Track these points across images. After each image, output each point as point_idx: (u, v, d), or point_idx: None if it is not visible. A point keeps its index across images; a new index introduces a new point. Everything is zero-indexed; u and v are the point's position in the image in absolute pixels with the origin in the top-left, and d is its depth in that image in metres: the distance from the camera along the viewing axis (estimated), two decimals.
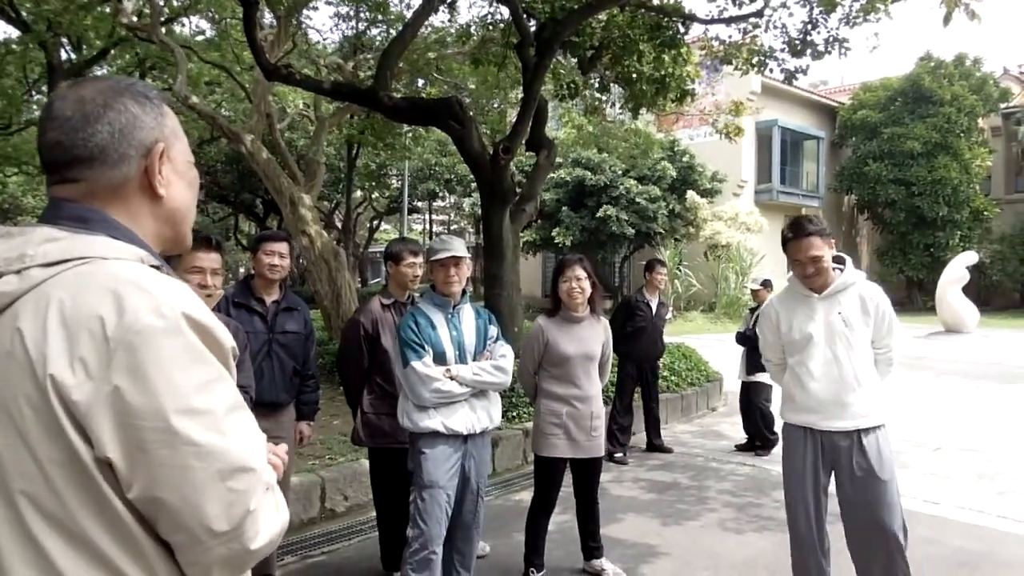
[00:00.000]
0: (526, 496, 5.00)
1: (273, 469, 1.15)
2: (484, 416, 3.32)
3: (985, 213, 26.60)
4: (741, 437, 7.08)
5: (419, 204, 34.70)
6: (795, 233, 3.17)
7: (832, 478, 3.23)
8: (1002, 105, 27.38)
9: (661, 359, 7.31)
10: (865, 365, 3.17)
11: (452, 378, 3.22)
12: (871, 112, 26.91)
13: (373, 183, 28.02)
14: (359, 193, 28.74)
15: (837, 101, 29.43)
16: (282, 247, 3.61)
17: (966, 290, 18.69)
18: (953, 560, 4.23)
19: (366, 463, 5.14)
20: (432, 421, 3.20)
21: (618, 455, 6.51)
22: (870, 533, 3.12)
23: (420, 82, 12.94)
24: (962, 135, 25.93)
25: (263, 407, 3.42)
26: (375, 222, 35.79)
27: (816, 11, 8.02)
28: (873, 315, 3.17)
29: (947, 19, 6.99)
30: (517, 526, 4.34)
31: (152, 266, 1.01)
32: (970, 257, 19.01)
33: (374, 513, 4.87)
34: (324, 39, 19.10)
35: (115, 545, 0.91)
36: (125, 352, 0.88)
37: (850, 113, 27.76)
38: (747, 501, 5.37)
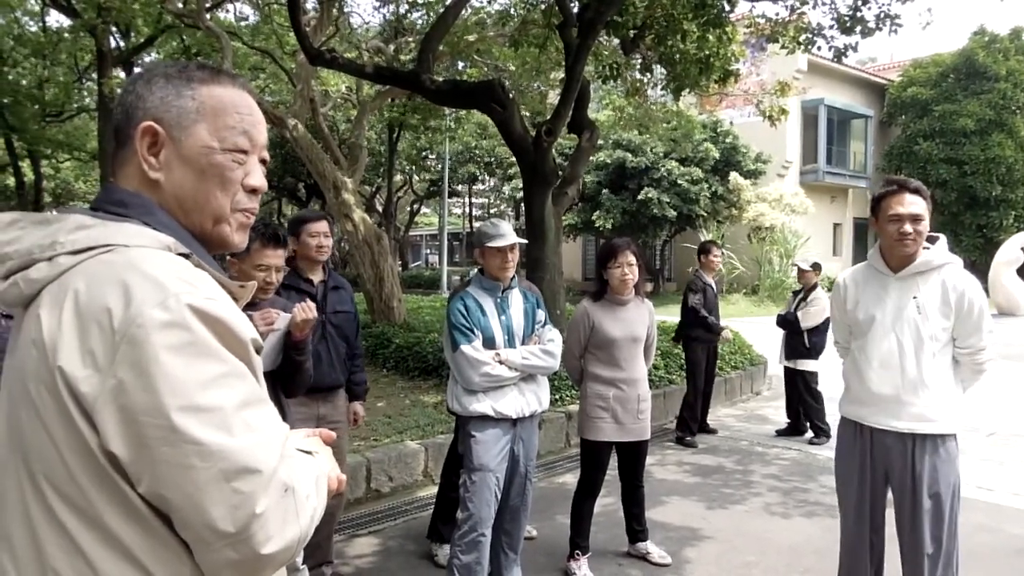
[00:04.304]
0: (569, 479, 5.03)
1: (331, 485, 1.10)
2: (533, 399, 3.32)
3: None
4: (785, 421, 7.00)
5: (459, 187, 34.78)
6: (898, 186, 2.80)
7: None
8: None
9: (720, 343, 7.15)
10: (937, 363, 2.78)
11: (501, 362, 3.23)
12: (922, 89, 26.08)
13: (413, 166, 28.15)
14: (399, 177, 28.91)
15: (886, 78, 28.59)
16: (324, 226, 3.59)
17: (1020, 272, 18.13)
18: (1010, 548, 4.15)
19: (411, 444, 5.24)
20: (482, 405, 3.21)
21: (688, 439, 6.56)
22: (913, 557, 2.83)
23: (460, 64, 12.92)
24: (1018, 112, 25.01)
25: (321, 392, 3.44)
26: (415, 206, 35.99)
27: None
28: (955, 307, 2.75)
29: None
30: (561, 509, 4.36)
31: (180, 254, 0.98)
32: None
33: (419, 494, 4.97)
34: (366, 23, 19.19)
35: (138, 537, 0.90)
36: (128, 345, 0.86)
37: (900, 91, 26.93)
38: (793, 486, 5.32)
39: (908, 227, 2.74)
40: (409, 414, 6.13)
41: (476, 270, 3.49)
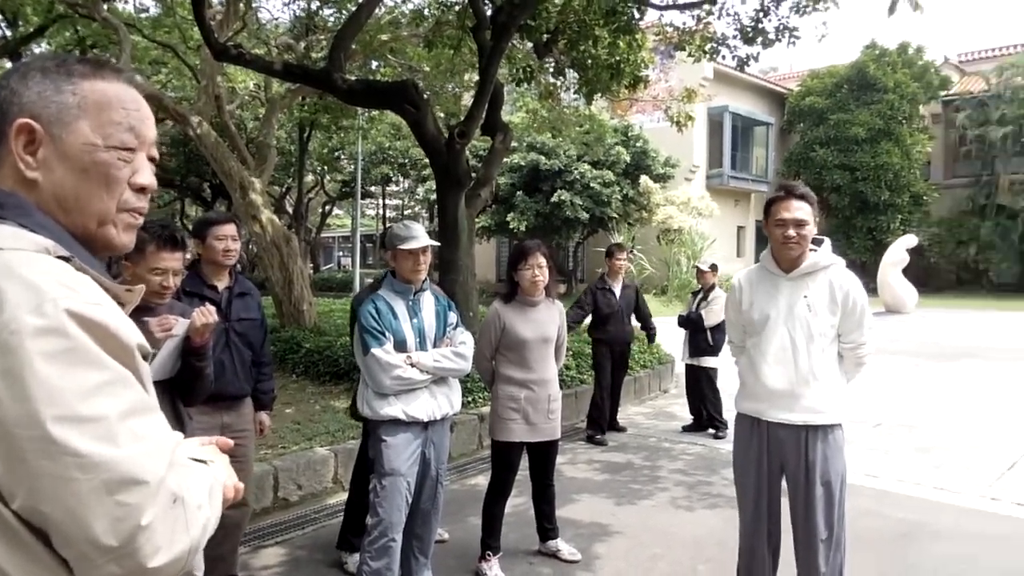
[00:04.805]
0: (481, 480, 5.04)
1: (226, 494, 1.07)
2: (444, 402, 3.32)
3: (924, 197, 27.50)
4: (690, 418, 7.22)
5: (372, 189, 34.34)
6: (785, 192, 2.95)
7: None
8: (942, 93, 28.25)
9: (631, 343, 7.40)
10: (826, 358, 2.94)
11: (413, 365, 3.21)
12: (818, 99, 27.53)
13: (325, 166, 27.61)
14: (310, 177, 28.30)
15: (786, 88, 30.01)
16: (231, 229, 3.47)
17: (906, 272, 19.32)
18: (894, 531, 4.42)
19: (320, 451, 5.15)
20: (393, 408, 3.18)
21: (598, 437, 6.69)
22: (807, 542, 2.97)
23: (373, 64, 12.76)
24: (904, 122, 26.75)
25: (225, 400, 3.35)
26: (327, 207, 35.29)
27: None
28: (841, 305, 2.92)
29: (892, 9, 7.18)
30: (473, 511, 4.37)
31: (60, 257, 0.92)
32: (910, 240, 19.66)
33: (329, 501, 4.89)
34: (275, 19, 18.71)
35: (10, 556, 0.85)
36: (0, 354, 0.82)
37: (798, 99, 28.35)
38: (698, 480, 5.50)
39: (792, 231, 2.89)
40: (319, 420, 6.02)
41: (387, 272, 3.46)
